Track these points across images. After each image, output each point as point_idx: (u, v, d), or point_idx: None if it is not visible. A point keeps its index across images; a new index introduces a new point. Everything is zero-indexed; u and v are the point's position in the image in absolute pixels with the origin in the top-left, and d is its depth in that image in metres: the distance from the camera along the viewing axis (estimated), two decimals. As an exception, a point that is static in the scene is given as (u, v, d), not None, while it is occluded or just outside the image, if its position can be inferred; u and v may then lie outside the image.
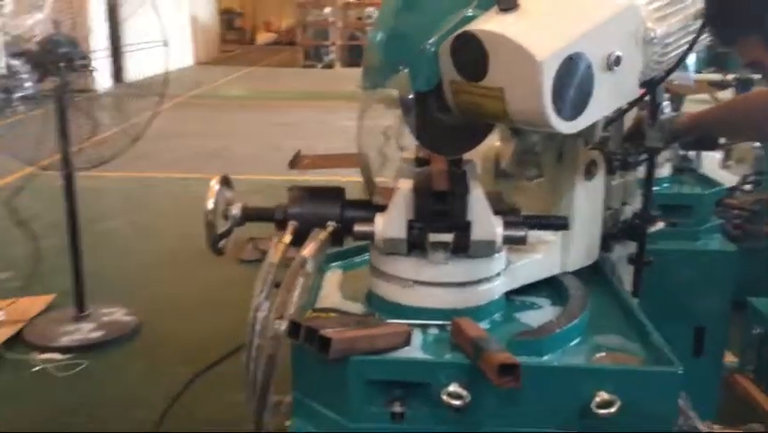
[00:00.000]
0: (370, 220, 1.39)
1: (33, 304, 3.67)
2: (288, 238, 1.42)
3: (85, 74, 3.37)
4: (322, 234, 1.41)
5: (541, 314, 1.47)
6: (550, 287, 1.56)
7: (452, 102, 1.36)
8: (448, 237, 1.32)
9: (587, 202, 1.57)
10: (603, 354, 1.32)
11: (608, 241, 1.75)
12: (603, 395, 1.19)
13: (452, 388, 1.20)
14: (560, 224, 1.48)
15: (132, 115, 3.81)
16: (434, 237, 1.32)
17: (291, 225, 1.44)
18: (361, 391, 1.23)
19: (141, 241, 4.76)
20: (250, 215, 1.49)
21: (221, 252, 1.53)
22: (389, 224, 1.36)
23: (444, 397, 1.20)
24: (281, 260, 1.39)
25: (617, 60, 1.27)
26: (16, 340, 3.35)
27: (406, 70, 1.34)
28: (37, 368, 3.17)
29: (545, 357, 1.27)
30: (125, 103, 4.04)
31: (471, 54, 1.26)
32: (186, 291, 4.00)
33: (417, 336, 1.34)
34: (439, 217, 1.33)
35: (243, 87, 12.50)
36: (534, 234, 1.52)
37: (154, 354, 3.35)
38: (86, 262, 4.01)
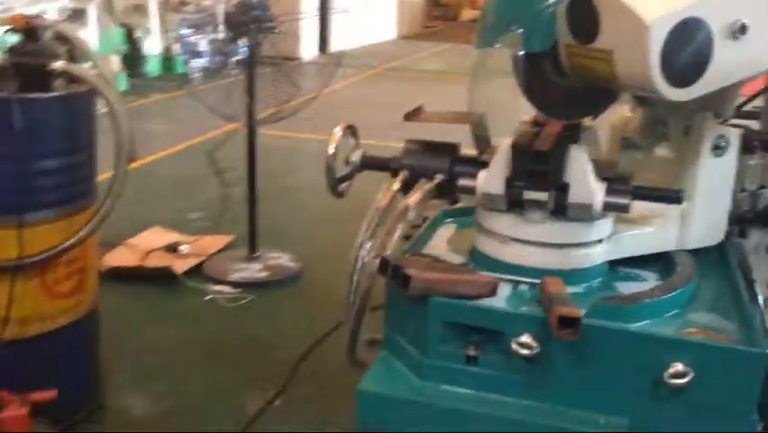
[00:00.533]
0: (476, 176, 1.45)
1: (215, 242, 4.09)
2: (396, 186, 1.52)
3: (275, 38, 3.67)
4: (427, 186, 1.49)
5: (642, 286, 1.44)
6: (662, 262, 1.52)
7: (567, 65, 1.38)
8: (543, 196, 1.35)
9: (712, 179, 1.51)
10: (694, 329, 1.28)
11: (742, 225, 1.67)
12: (678, 366, 1.17)
13: (524, 339, 1.24)
14: (673, 197, 1.43)
15: (328, 83, 4.11)
16: (528, 195, 1.35)
17: (402, 174, 1.54)
18: (438, 331, 1.31)
19: (315, 197, 5.08)
20: (368, 163, 1.61)
21: (341, 194, 1.66)
22: (489, 179, 1.41)
23: (514, 346, 1.24)
24: (388, 205, 1.49)
25: (743, 29, 1.21)
26: (197, 271, 3.77)
27: (519, 30, 1.37)
28: (209, 297, 3.56)
29: (628, 324, 1.26)
30: (322, 71, 4.36)
31: (584, 16, 1.27)
32: (348, 246, 4.24)
33: (506, 290, 1.38)
34: (536, 176, 1.36)
35: (440, 62, 12.68)
36: (651, 207, 1.50)
37: (311, 298, 3.62)
38: (265, 211, 4.38)
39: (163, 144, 6.46)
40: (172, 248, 3.94)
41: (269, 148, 5.29)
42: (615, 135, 1.75)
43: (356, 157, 1.60)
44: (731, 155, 1.51)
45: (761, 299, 1.65)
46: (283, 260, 3.93)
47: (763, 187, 1.66)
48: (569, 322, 1.14)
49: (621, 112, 1.75)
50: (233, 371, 2.93)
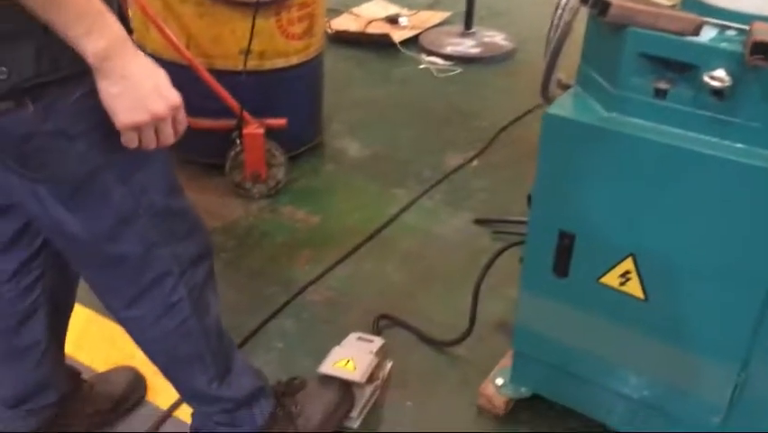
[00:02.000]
0: None
1: (432, 17, 4.20)
2: None
3: None
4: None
5: None
6: None
7: None
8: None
9: None
10: None
11: None
12: None
13: (717, 72, 1.25)
14: None
15: None
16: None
17: None
18: (632, 62, 1.34)
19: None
20: None
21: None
22: None
23: (706, 78, 1.25)
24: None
25: None
26: (413, 42, 3.94)
27: None
28: (422, 66, 3.74)
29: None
30: None
31: None
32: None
33: (711, 33, 1.36)
34: None
35: None
36: None
37: (519, 76, 3.66)
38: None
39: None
40: (392, 19, 4.11)
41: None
42: None
43: None
44: None
45: None
46: (497, 38, 3.96)
47: None
48: (764, 48, 1.14)
49: None
50: (438, 132, 3.15)
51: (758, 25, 1.27)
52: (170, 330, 1.39)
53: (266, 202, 2.60)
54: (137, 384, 1.78)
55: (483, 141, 3.05)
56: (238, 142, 2.51)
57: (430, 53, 3.81)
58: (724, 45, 1.28)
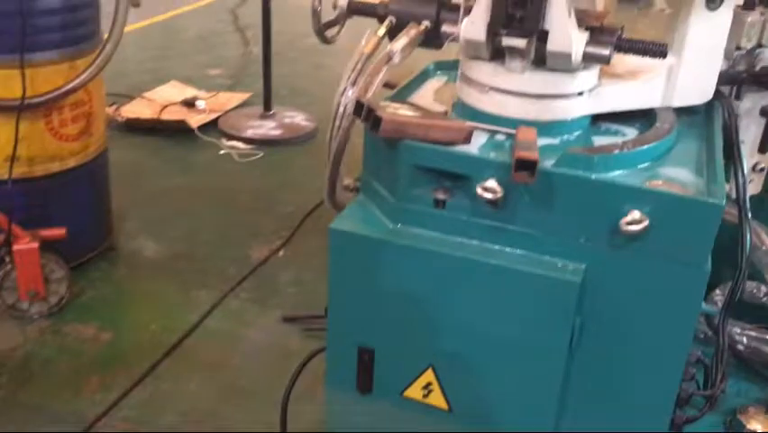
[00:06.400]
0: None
1: (231, 99, 4.11)
2: (381, 32, 1.50)
3: None
4: (413, 31, 1.47)
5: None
6: (646, 119, 1.51)
7: None
8: (521, 43, 1.32)
9: (703, 34, 1.45)
10: (660, 181, 1.29)
11: (738, 86, 1.63)
12: (635, 214, 1.19)
13: (489, 183, 1.26)
14: (657, 50, 1.39)
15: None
16: (507, 42, 1.33)
17: (389, 20, 1.52)
18: (409, 174, 1.33)
19: (335, 58, 5.02)
20: (355, 8, 1.58)
21: (327, 41, 1.65)
22: (470, 25, 1.38)
23: (479, 190, 1.26)
24: (372, 51, 1.48)
25: None
26: (212, 126, 3.82)
27: None
28: (223, 151, 3.63)
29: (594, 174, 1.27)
30: None
31: None
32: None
33: (481, 139, 1.38)
34: (515, 22, 1.33)
35: None
36: (643, 63, 1.47)
37: (323, 157, 3.65)
38: (283, 70, 4.36)
39: (186, -1, 6.37)
40: (189, 103, 3.98)
41: (292, 8, 5.16)
42: (614, -13, 1.68)
43: (343, 2, 1.57)
44: (727, 9, 1.45)
45: (746, 161, 1.65)
46: (298, 119, 3.95)
47: (760, 46, 1.61)
48: (526, 165, 1.16)
49: (622, -38, 1.68)
50: (242, 222, 3.03)
51: (522, 132, 1.31)
52: None
53: (47, 322, 2.34)
54: None
55: (289, 228, 2.98)
56: (7, 259, 2.24)
57: (230, 137, 3.71)
58: (493, 155, 1.30)
